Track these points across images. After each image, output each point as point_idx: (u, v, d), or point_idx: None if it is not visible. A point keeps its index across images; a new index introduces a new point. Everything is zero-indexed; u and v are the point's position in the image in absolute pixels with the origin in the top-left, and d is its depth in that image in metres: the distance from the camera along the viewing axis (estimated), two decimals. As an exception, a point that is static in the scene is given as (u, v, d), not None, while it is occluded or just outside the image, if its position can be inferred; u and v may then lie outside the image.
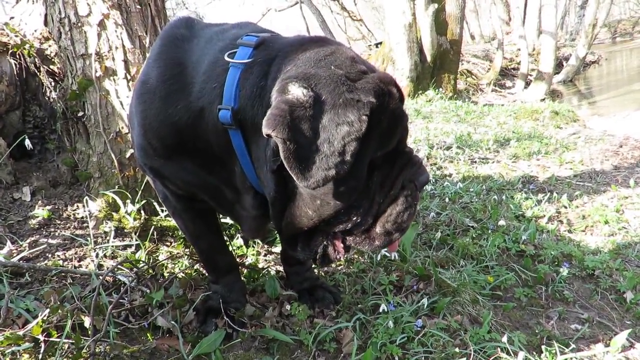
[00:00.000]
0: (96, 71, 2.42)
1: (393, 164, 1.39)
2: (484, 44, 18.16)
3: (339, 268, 2.45)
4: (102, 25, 2.38)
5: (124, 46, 2.39)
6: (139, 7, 2.40)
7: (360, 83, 1.26)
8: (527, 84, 12.72)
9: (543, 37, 12.14)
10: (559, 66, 14.34)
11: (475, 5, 21.78)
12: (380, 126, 1.28)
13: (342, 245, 1.45)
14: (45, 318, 1.59)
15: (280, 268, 2.35)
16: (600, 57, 19.16)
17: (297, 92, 1.20)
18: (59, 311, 1.60)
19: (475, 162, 5.07)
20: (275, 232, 2.64)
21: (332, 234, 1.44)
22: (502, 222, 3.12)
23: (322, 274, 2.40)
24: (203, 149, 1.52)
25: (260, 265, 2.40)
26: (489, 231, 3.07)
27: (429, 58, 9.67)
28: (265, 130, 1.16)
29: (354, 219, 1.38)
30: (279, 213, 1.42)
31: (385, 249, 1.53)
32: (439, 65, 9.93)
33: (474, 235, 3.00)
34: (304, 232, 1.43)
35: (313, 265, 2.23)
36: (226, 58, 1.39)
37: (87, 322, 1.63)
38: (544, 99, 10.74)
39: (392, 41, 9.55)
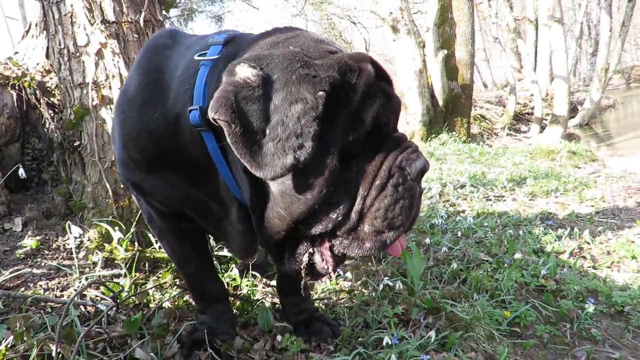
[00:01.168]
0: (93, 100, 2.41)
1: (377, 151, 1.23)
2: (496, 91, 18.28)
3: (341, 301, 2.28)
4: (99, 54, 2.39)
5: (120, 74, 2.39)
6: (136, 36, 2.42)
7: (322, 60, 1.15)
8: (543, 128, 12.61)
9: (556, 81, 12.14)
10: (573, 111, 14.25)
11: (487, 54, 22.14)
12: (349, 105, 1.15)
13: (330, 253, 1.27)
14: (10, 346, 1.45)
15: (277, 301, 2.18)
16: (616, 102, 19.05)
17: (245, 72, 1.10)
18: (25, 338, 1.46)
19: (490, 199, 4.88)
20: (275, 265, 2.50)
21: (319, 240, 1.27)
22: (518, 255, 2.91)
23: (322, 306, 2.22)
24: (184, 160, 1.42)
25: (256, 298, 2.23)
26: (505, 265, 2.86)
27: (440, 102, 9.71)
28: (209, 114, 1.07)
29: (334, 217, 1.20)
30: (259, 220, 1.28)
31: (384, 251, 1.27)
32: (451, 109, 9.94)
33: (489, 270, 2.80)
34: (286, 238, 1.27)
35: (305, 282, 2.06)
36: (196, 58, 1.33)
37: (56, 352, 1.49)
38: (560, 142, 10.58)
39: (403, 87, 9.65)
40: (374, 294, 2.32)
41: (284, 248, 1.31)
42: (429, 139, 9.29)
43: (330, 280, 2.54)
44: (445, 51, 9.55)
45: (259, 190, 1.24)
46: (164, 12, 2.66)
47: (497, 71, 22.29)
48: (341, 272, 2.58)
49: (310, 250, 1.28)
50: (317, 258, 1.29)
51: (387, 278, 2.36)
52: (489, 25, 16.36)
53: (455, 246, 3.16)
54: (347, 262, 2.77)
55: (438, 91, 9.68)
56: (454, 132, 9.67)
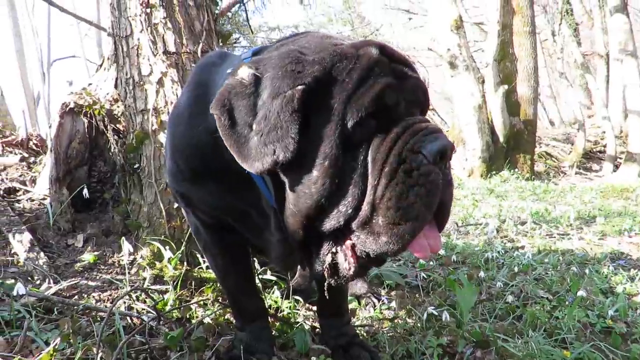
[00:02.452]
0: (152, 125, 2.59)
1: (386, 135, 1.17)
2: (564, 128, 17.48)
3: (383, 328, 2.20)
4: (160, 82, 2.59)
5: (178, 101, 2.56)
6: (194, 65, 2.60)
7: (316, 55, 1.18)
8: (617, 166, 11.82)
9: (630, 117, 11.44)
10: (653, 149, 13.24)
11: (553, 91, 21.34)
12: (344, 92, 1.14)
13: (352, 253, 1.23)
14: (57, 348, 1.53)
15: (318, 324, 2.15)
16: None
17: (242, 73, 1.18)
18: (71, 341, 1.54)
19: (554, 237, 4.59)
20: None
21: (341, 239, 1.24)
22: (582, 293, 2.69)
23: (363, 333, 2.16)
24: (226, 170, 1.48)
25: (296, 321, 2.22)
26: (567, 303, 2.65)
27: (501, 138, 9.43)
28: (210, 110, 1.17)
29: (344, 210, 1.16)
30: (283, 221, 1.30)
31: (407, 249, 1.18)
32: (513, 146, 9.62)
33: (548, 307, 2.60)
34: (307, 237, 1.26)
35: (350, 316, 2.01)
36: (228, 71, 1.41)
37: (98, 357, 1.55)
38: (637, 181, 9.83)
39: (462, 122, 9.51)
40: (418, 324, 2.22)
41: (310, 250, 1.30)
42: (489, 175, 9.00)
43: (375, 309, 2.47)
44: (506, 86, 9.36)
45: (280, 190, 1.26)
46: (220, 43, 2.84)
47: (565, 108, 21.36)
48: (385, 300, 2.51)
49: (333, 250, 1.25)
50: (340, 258, 1.25)
51: (432, 308, 2.26)
52: (555, 62, 15.88)
53: (511, 282, 2.98)
54: (392, 291, 2.70)
55: (499, 127, 9.42)
56: (516, 169, 9.31)
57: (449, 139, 1.19)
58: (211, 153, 1.48)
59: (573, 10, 17.64)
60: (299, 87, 1.12)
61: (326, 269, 1.27)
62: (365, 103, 1.14)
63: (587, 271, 3.32)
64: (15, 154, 3.96)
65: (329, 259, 1.26)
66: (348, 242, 1.23)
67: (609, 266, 3.53)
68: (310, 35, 1.32)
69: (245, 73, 1.18)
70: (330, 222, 1.20)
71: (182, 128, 1.54)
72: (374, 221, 1.16)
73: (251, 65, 1.19)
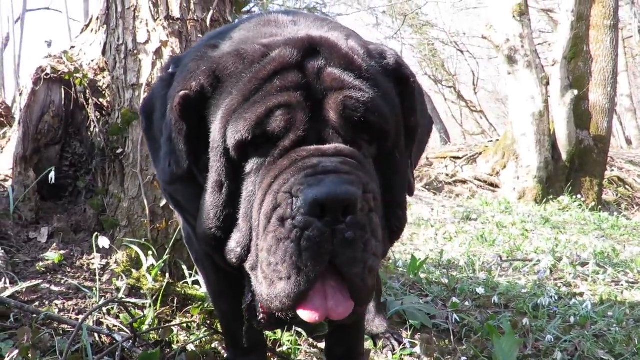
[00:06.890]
0: (144, 103, 2.64)
1: (269, 169, 1.16)
2: (644, 149, 17.35)
3: (403, 379, 2.23)
4: (158, 53, 2.65)
5: (178, 78, 2.61)
6: (200, 36, 2.65)
7: (222, 51, 1.27)
8: None
9: None
10: None
11: (634, 102, 21.16)
12: (225, 107, 1.16)
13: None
14: (13, 362, 1.58)
15: (323, 365, 2.19)
16: None
17: (165, 69, 1.40)
18: (29, 355, 1.59)
19: (621, 284, 4.59)
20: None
21: None
22: (651, 358, 2.69)
23: (379, 382, 2.19)
24: None
25: (298, 358, 2.25)
26: (632, 369, 2.66)
27: (564, 156, 9.41)
28: None
29: (234, 246, 1.23)
30: None
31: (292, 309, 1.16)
32: (577, 166, 9.59)
33: (608, 372, 2.62)
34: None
35: None
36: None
37: (61, 377, 1.60)
38: None
39: (516, 132, 9.49)
40: (445, 377, 2.25)
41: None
42: (545, 200, 8.98)
43: (394, 354, 2.50)
44: (576, 92, 9.33)
45: None
46: (234, 12, 2.90)
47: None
48: (407, 344, 2.53)
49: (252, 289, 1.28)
50: (257, 300, 1.29)
51: (465, 359, 2.29)
52: (639, 66, 15.78)
53: (564, 335, 3.00)
54: (417, 333, 2.72)
55: (562, 142, 9.40)
56: (579, 196, 9.27)
57: (350, 185, 1.07)
58: None
59: (667, 3, 17.52)
60: (181, 92, 1.16)
61: (245, 308, 1.34)
62: (240, 128, 1.12)
63: (660, 331, 3.32)
64: (-27, 122, 4.05)
65: (248, 298, 1.31)
66: None
67: (689, 328, 3.52)
68: (254, 21, 1.37)
69: (165, 70, 1.27)
70: (230, 259, 1.27)
71: None
72: (258, 268, 1.19)
73: (177, 60, 1.27)
